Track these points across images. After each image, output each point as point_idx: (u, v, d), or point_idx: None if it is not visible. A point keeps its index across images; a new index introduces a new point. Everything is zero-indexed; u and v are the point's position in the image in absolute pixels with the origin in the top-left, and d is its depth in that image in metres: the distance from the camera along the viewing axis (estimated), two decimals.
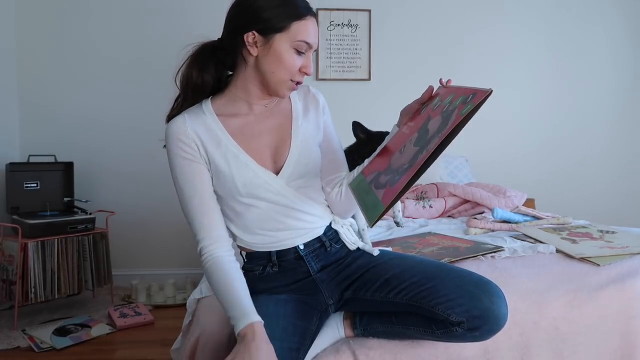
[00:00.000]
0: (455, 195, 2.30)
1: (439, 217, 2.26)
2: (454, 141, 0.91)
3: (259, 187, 1.08)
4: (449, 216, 2.29)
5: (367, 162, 1.11)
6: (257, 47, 1.06)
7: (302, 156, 1.12)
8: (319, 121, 1.20)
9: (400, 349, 1.11)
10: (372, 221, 0.89)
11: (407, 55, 3.13)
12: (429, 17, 3.13)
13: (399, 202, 1.59)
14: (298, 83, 1.10)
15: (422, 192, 2.39)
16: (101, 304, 2.57)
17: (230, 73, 1.16)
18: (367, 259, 1.16)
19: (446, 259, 1.35)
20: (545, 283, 1.25)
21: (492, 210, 1.99)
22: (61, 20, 2.85)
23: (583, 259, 1.38)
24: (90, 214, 2.53)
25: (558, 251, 1.47)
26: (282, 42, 1.05)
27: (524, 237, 1.66)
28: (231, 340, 1.12)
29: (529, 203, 2.59)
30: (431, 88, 1.03)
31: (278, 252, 1.13)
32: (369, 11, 3.06)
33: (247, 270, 1.15)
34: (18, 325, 2.21)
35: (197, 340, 1.20)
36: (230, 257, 1.07)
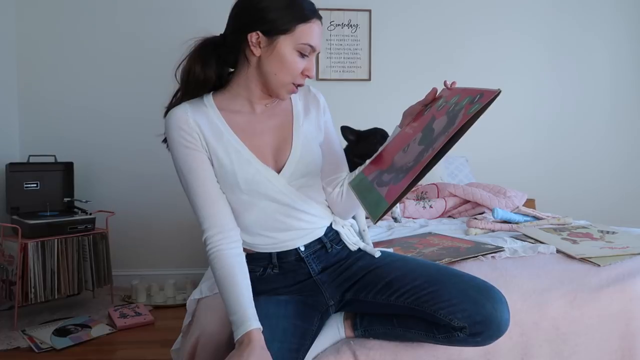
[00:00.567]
0: (455, 195, 2.30)
1: (439, 217, 2.26)
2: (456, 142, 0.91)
3: (260, 183, 1.08)
4: (449, 216, 2.29)
5: (368, 161, 1.11)
6: (260, 47, 1.05)
7: (304, 155, 1.12)
8: (320, 121, 1.19)
9: (400, 350, 1.11)
10: (376, 218, 0.89)
11: (407, 55, 3.13)
12: (429, 17, 3.13)
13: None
14: (299, 85, 1.10)
15: (422, 192, 2.38)
16: (101, 304, 2.56)
17: (231, 70, 1.16)
18: (368, 260, 1.16)
19: (446, 259, 1.35)
20: (545, 283, 1.25)
21: (492, 210, 1.99)
22: (61, 20, 2.85)
23: (583, 259, 1.38)
24: (90, 214, 2.53)
25: (558, 251, 1.47)
26: (286, 44, 1.04)
27: (524, 237, 1.66)
28: (231, 340, 1.11)
29: (529, 203, 2.59)
30: (434, 90, 1.03)
31: (278, 253, 1.13)
32: (369, 11, 3.06)
33: None
34: (18, 326, 2.21)
35: (196, 341, 1.20)
36: (236, 249, 1.06)
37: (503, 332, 0.99)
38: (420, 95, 1.05)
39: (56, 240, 2.33)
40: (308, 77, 1.09)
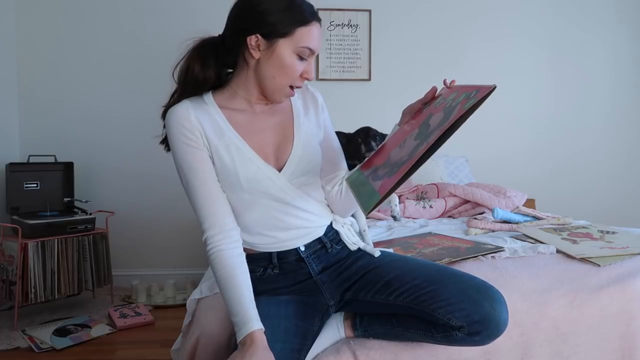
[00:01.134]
0: (455, 195, 2.30)
1: (439, 217, 2.26)
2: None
3: (261, 182, 1.08)
4: (449, 216, 2.29)
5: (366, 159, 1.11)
6: (259, 50, 1.05)
7: (305, 153, 1.12)
8: (319, 119, 1.20)
9: (400, 349, 1.11)
10: (367, 210, 0.90)
11: (407, 55, 3.13)
12: (429, 17, 3.13)
13: (396, 196, 1.61)
14: (297, 87, 1.10)
15: (422, 192, 2.38)
16: (101, 304, 2.56)
17: (230, 70, 1.16)
18: (368, 259, 1.16)
19: (446, 259, 1.35)
20: (545, 283, 1.25)
21: (492, 210, 1.99)
22: (61, 20, 2.85)
23: (583, 259, 1.38)
24: (90, 214, 2.53)
25: (558, 251, 1.47)
26: (285, 47, 1.03)
27: (524, 237, 1.66)
28: (231, 340, 1.12)
29: (529, 203, 2.59)
30: (434, 88, 1.03)
31: (279, 253, 1.13)
32: (369, 11, 3.06)
33: None
34: (18, 326, 2.21)
35: (196, 341, 1.20)
36: (236, 249, 1.05)
37: (501, 331, 0.99)
38: (420, 95, 1.05)
39: (56, 240, 2.33)
40: (307, 79, 1.09)
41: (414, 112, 1.06)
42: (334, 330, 1.15)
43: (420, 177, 2.64)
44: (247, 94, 1.12)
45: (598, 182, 3.29)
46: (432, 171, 2.72)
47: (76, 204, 2.65)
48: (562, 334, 1.19)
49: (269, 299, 1.10)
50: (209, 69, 1.10)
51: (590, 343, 1.19)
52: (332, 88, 3.04)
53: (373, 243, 1.50)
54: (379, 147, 1.08)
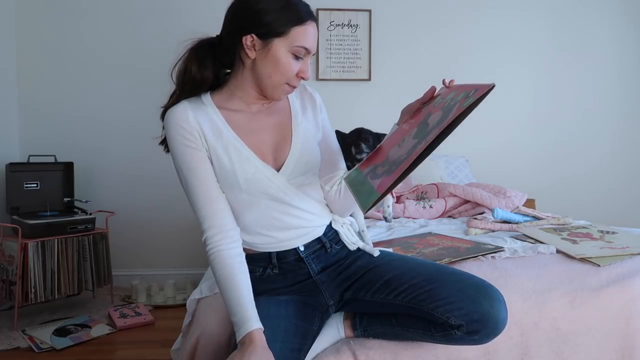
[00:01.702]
0: (455, 195, 2.29)
1: (439, 217, 2.26)
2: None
3: (260, 182, 1.08)
4: (449, 216, 2.29)
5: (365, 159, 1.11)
6: (255, 49, 1.05)
7: (303, 153, 1.12)
8: (317, 119, 1.20)
9: (400, 349, 1.11)
10: (366, 208, 0.91)
11: (407, 55, 3.13)
12: (429, 17, 3.13)
13: (390, 198, 1.61)
14: (293, 86, 1.10)
15: (422, 192, 2.38)
16: (101, 304, 2.56)
17: (228, 71, 1.16)
18: (367, 259, 1.16)
19: (446, 259, 1.35)
20: (545, 283, 1.25)
21: (492, 210, 1.99)
22: (61, 20, 2.85)
23: (583, 259, 1.38)
24: (90, 214, 2.53)
25: (558, 251, 1.47)
26: (281, 47, 1.04)
27: (524, 237, 1.66)
28: (231, 340, 1.12)
29: (529, 203, 2.59)
30: (433, 88, 1.03)
31: (278, 253, 1.13)
32: (369, 11, 3.06)
33: None
34: (18, 326, 2.21)
35: (196, 341, 1.20)
36: (236, 249, 1.06)
37: (500, 330, 0.99)
38: (420, 95, 1.05)
39: (56, 240, 2.33)
40: (303, 78, 1.09)
41: (412, 112, 1.06)
42: (334, 330, 1.15)
43: (420, 177, 2.64)
44: (243, 94, 1.12)
45: (598, 182, 3.29)
46: (432, 171, 2.72)
47: (76, 204, 2.65)
48: (562, 334, 1.19)
49: (268, 299, 1.10)
50: (207, 69, 1.10)
51: (590, 343, 1.19)
52: (332, 88, 3.04)
53: (373, 243, 1.50)
54: (378, 146, 1.09)
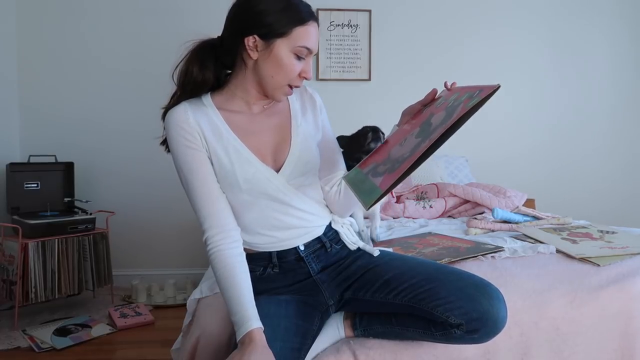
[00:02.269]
0: (455, 195, 2.30)
1: (439, 217, 2.26)
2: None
3: (260, 182, 1.08)
4: (449, 216, 2.29)
5: (364, 157, 1.11)
6: (257, 50, 1.06)
7: (303, 154, 1.13)
8: (317, 120, 1.20)
9: (400, 349, 1.11)
10: (368, 204, 0.91)
11: (407, 55, 3.13)
12: (429, 17, 3.14)
13: (378, 218, 1.63)
14: (295, 87, 1.10)
15: (422, 192, 2.39)
16: (101, 303, 2.57)
17: (229, 72, 1.16)
18: (367, 259, 1.16)
19: (446, 259, 1.35)
20: (545, 283, 1.25)
21: (492, 210, 1.99)
22: (61, 20, 2.85)
23: (583, 259, 1.38)
24: (90, 214, 2.53)
25: (558, 251, 1.47)
26: (283, 47, 1.04)
27: (524, 237, 1.66)
28: (231, 340, 1.12)
29: (529, 203, 2.59)
30: (434, 90, 1.04)
31: (278, 252, 1.13)
32: (369, 11, 3.06)
33: None
34: (18, 325, 2.21)
35: (197, 340, 1.20)
36: (236, 249, 1.06)
37: (500, 329, 0.99)
38: (421, 95, 1.06)
39: (56, 240, 2.33)
40: (305, 78, 1.10)
41: (413, 114, 1.07)
42: (334, 330, 1.16)
43: (420, 177, 2.64)
44: (245, 95, 1.13)
45: (598, 182, 3.29)
46: (432, 171, 2.73)
47: (76, 204, 2.65)
48: (562, 333, 1.19)
49: (268, 299, 1.10)
50: (208, 70, 1.11)
51: (590, 343, 1.20)
52: (332, 88, 3.04)
53: (373, 243, 1.50)
54: (378, 146, 1.09)
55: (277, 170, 1.11)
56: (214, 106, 1.11)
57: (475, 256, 1.40)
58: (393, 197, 2.34)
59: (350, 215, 1.29)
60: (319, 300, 1.13)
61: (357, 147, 1.41)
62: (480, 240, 1.63)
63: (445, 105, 0.94)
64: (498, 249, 1.45)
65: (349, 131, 1.68)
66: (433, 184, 2.43)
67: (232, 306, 1.00)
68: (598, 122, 3.30)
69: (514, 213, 1.99)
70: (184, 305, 1.37)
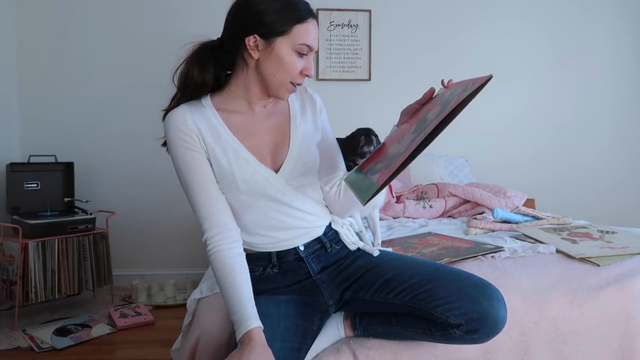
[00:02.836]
0: (455, 195, 2.30)
1: (439, 217, 2.26)
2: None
3: (258, 183, 1.09)
4: (449, 216, 2.29)
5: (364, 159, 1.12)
6: (258, 50, 1.06)
7: (301, 155, 1.13)
8: (317, 121, 1.20)
9: (400, 349, 1.11)
10: (364, 200, 0.93)
11: (407, 55, 3.13)
12: (428, 17, 3.14)
13: (378, 230, 1.63)
14: (297, 84, 1.11)
15: (422, 192, 2.39)
16: (101, 303, 2.57)
17: (229, 72, 1.17)
18: (367, 259, 1.16)
19: (446, 259, 1.35)
20: (545, 283, 1.25)
21: (492, 210, 1.99)
22: (61, 20, 2.85)
23: (583, 259, 1.38)
24: (91, 214, 2.53)
25: (558, 251, 1.47)
26: (283, 45, 1.05)
27: (524, 237, 1.66)
28: (231, 340, 1.12)
29: (529, 203, 2.59)
30: (432, 89, 1.04)
31: (278, 252, 1.13)
32: (369, 11, 3.06)
33: None
34: (18, 325, 2.21)
35: (197, 340, 1.20)
36: (236, 249, 1.06)
37: (500, 329, 0.99)
38: (420, 95, 1.06)
39: (56, 240, 2.33)
40: (307, 76, 1.10)
41: (412, 113, 1.07)
42: (334, 330, 1.16)
43: (420, 177, 2.64)
44: (247, 95, 1.13)
45: (598, 182, 3.29)
46: (432, 171, 2.73)
47: (76, 204, 2.65)
48: (562, 333, 1.19)
49: (268, 299, 1.10)
50: (207, 72, 1.11)
51: (590, 343, 1.20)
52: (332, 88, 3.04)
53: (372, 243, 1.50)
54: (378, 147, 1.09)
55: (276, 171, 1.11)
56: (213, 107, 1.12)
57: (475, 256, 1.40)
58: (393, 197, 2.34)
59: (350, 216, 1.29)
60: (319, 300, 1.13)
61: (351, 150, 1.42)
62: (480, 240, 1.63)
63: (441, 101, 0.96)
64: (498, 249, 1.45)
65: (348, 131, 1.69)
66: (433, 184, 2.43)
67: (231, 306, 1.00)
68: (599, 122, 3.29)
69: (514, 213, 1.99)
70: (184, 305, 1.37)
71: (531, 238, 1.64)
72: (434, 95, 1.03)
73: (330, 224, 1.19)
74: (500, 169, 3.18)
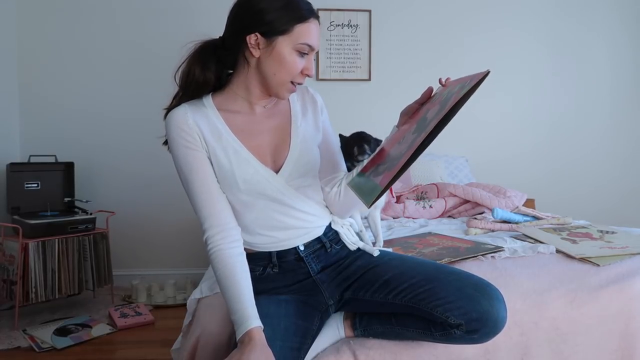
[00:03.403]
0: (455, 195, 2.30)
1: (439, 217, 2.26)
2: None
3: (259, 183, 1.09)
4: (449, 216, 2.29)
5: (365, 161, 1.12)
6: (259, 48, 1.06)
7: (302, 155, 1.13)
8: (318, 121, 1.20)
9: (400, 349, 1.11)
10: (369, 203, 0.93)
11: (407, 55, 3.13)
12: (429, 17, 3.14)
13: (380, 232, 1.64)
14: (298, 84, 1.11)
15: (422, 192, 2.39)
16: (101, 303, 2.57)
17: (230, 71, 1.17)
18: (367, 259, 1.16)
19: (446, 259, 1.35)
20: (545, 283, 1.25)
21: (492, 210, 1.99)
22: (61, 20, 2.85)
23: (583, 259, 1.38)
24: (91, 214, 2.53)
25: (558, 251, 1.47)
26: (285, 44, 1.05)
27: (524, 237, 1.66)
28: (231, 339, 1.12)
29: (529, 203, 2.59)
30: (430, 89, 1.04)
31: (278, 252, 1.14)
32: (369, 11, 3.06)
33: None
34: (18, 325, 2.21)
35: (197, 340, 1.20)
36: (236, 248, 1.06)
37: (500, 329, 0.99)
38: (419, 95, 1.06)
39: (57, 240, 2.34)
40: (307, 76, 1.10)
41: (411, 113, 1.07)
42: (334, 330, 1.16)
43: (420, 177, 2.64)
44: (247, 94, 1.13)
45: (598, 182, 3.29)
46: (432, 171, 2.73)
47: (77, 203, 2.65)
48: (561, 333, 1.19)
49: (268, 298, 1.10)
50: (209, 71, 1.11)
51: (590, 343, 1.20)
52: (332, 88, 3.04)
53: (372, 243, 1.50)
54: (379, 148, 1.09)
55: (277, 171, 1.11)
56: (214, 107, 1.12)
57: (475, 256, 1.40)
58: (393, 197, 2.34)
59: (350, 216, 1.29)
60: (319, 300, 1.14)
61: (347, 157, 1.42)
62: (480, 240, 1.63)
63: (439, 99, 0.96)
64: (498, 249, 1.45)
65: (347, 132, 1.69)
66: (433, 184, 2.43)
67: (232, 305, 1.00)
68: (597, 121, 3.30)
69: (514, 213, 1.99)
70: (184, 305, 1.37)
71: (531, 238, 1.64)
72: (432, 95, 1.03)
73: (330, 224, 1.19)
74: (500, 168, 3.18)
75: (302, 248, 1.14)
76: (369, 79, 3.09)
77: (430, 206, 2.25)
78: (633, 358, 1.21)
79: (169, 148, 1.13)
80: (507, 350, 1.16)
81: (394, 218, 2.24)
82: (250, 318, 0.97)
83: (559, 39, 3.23)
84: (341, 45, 3.06)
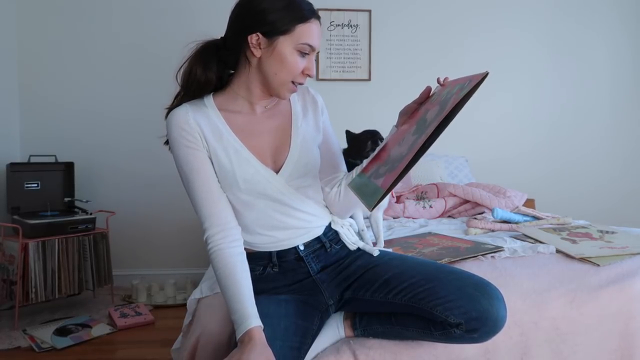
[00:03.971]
0: (455, 195, 2.30)
1: (439, 217, 2.26)
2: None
3: (259, 183, 1.09)
4: (449, 216, 2.29)
5: (365, 162, 1.12)
6: (260, 48, 1.06)
7: (302, 156, 1.13)
8: (318, 121, 1.20)
9: (400, 349, 1.11)
10: (371, 206, 0.92)
11: (407, 55, 3.13)
12: (429, 17, 3.14)
13: (382, 233, 1.63)
14: (299, 84, 1.11)
15: (422, 192, 2.39)
16: (101, 303, 2.57)
17: (232, 72, 1.17)
18: (367, 259, 1.16)
19: (446, 259, 1.36)
20: (545, 283, 1.25)
21: (492, 210, 1.99)
22: (61, 20, 2.85)
23: (583, 259, 1.38)
24: (91, 214, 2.53)
25: (558, 251, 1.47)
26: (286, 44, 1.05)
27: (524, 237, 1.66)
28: (231, 339, 1.12)
29: (529, 203, 2.59)
30: (428, 88, 1.04)
31: (278, 252, 1.14)
32: (369, 11, 3.06)
33: None
34: (18, 325, 2.21)
35: (197, 340, 1.20)
36: (237, 248, 1.07)
37: (500, 328, 1.00)
38: (418, 95, 1.06)
39: (57, 240, 2.34)
40: (308, 76, 1.10)
41: (410, 113, 1.07)
42: (334, 329, 1.16)
43: (420, 177, 2.64)
44: (248, 94, 1.13)
45: (598, 182, 3.29)
46: (432, 171, 2.73)
47: (77, 203, 2.65)
48: (561, 333, 1.19)
49: (268, 298, 1.10)
50: (211, 71, 1.12)
51: (590, 343, 1.20)
52: (332, 88, 3.04)
53: (373, 243, 1.50)
54: (379, 148, 1.09)
55: (277, 172, 1.11)
56: (215, 107, 1.12)
57: (475, 256, 1.40)
58: (393, 197, 2.34)
59: (352, 216, 1.29)
60: (319, 299, 1.14)
61: (356, 152, 1.42)
62: (480, 240, 1.63)
63: (438, 100, 0.96)
64: (498, 249, 1.45)
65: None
66: (433, 184, 2.43)
67: (232, 305, 1.00)
68: (597, 121, 3.30)
69: (514, 213, 1.99)
70: (184, 305, 1.37)
71: (531, 238, 1.64)
72: (431, 94, 1.04)
73: (330, 224, 1.19)
74: (500, 168, 3.18)
75: (302, 248, 1.14)
76: (369, 79, 3.09)
77: (430, 206, 2.25)
78: (633, 358, 1.21)
79: (169, 148, 1.13)
80: (506, 350, 1.16)
81: (394, 218, 2.24)
82: (250, 317, 0.97)
83: (559, 38, 3.23)
84: (341, 45, 3.06)
